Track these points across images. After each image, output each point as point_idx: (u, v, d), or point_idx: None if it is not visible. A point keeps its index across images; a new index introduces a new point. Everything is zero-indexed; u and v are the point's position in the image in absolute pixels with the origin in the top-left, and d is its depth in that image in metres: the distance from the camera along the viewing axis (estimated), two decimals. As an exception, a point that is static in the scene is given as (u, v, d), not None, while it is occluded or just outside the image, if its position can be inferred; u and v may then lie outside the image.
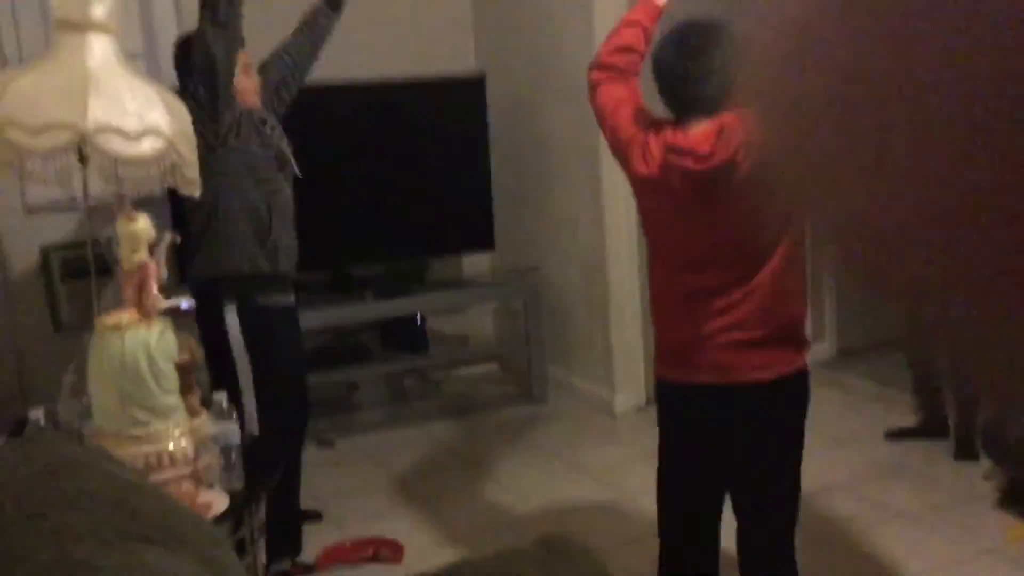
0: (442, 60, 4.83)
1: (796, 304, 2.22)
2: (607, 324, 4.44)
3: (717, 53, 2.07)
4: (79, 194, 4.03)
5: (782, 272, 2.15)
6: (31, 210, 4.09)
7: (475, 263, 5.06)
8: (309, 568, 3.11)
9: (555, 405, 4.63)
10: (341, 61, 4.60)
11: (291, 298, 3.07)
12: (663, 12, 2.32)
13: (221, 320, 2.85)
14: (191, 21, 3.20)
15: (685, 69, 2.09)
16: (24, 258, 4.09)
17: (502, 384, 5.05)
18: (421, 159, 4.58)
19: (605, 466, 3.86)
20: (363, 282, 4.52)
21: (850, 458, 3.75)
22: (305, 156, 4.37)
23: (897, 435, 3.85)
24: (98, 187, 2.84)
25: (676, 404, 2.31)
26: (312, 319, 4.36)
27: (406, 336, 4.74)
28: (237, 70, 2.80)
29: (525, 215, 4.89)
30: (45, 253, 4.09)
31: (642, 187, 2.21)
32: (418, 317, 4.71)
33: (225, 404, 2.18)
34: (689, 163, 2.05)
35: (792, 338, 2.21)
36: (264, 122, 2.95)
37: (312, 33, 3.20)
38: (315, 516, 3.42)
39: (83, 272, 4.04)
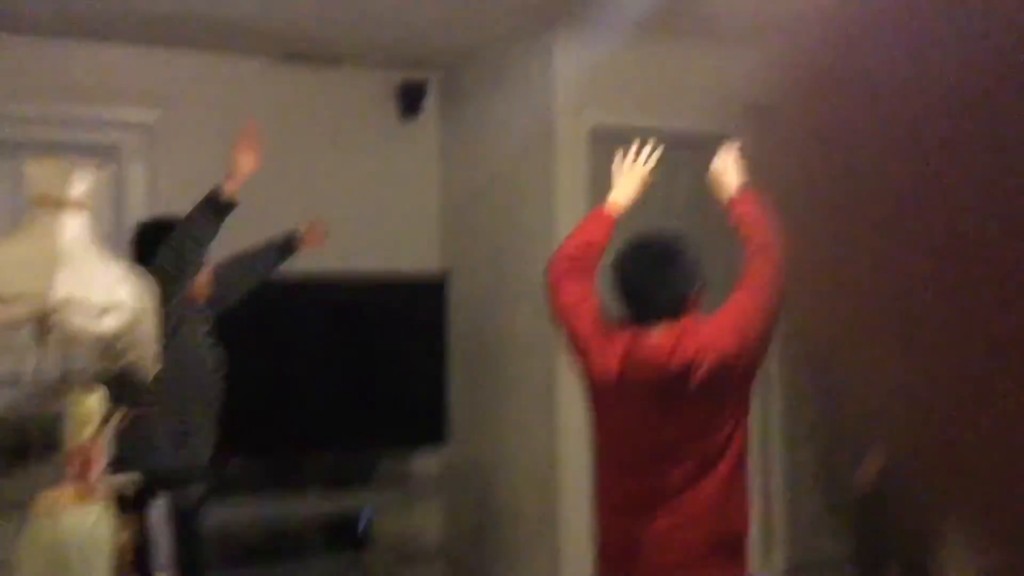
0: (407, 257, 4.95)
1: (742, 515, 2.23)
2: (555, 528, 4.35)
3: (675, 264, 2.19)
4: (26, 369, 4.01)
5: (730, 479, 2.17)
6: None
7: (426, 462, 4.98)
8: None
9: (500, 612, 4.46)
10: (309, 252, 4.71)
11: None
12: (620, 215, 2.44)
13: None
14: (162, 205, 3.29)
15: (645, 279, 2.19)
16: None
17: (448, 586, 4.86)
18: (379, 354, 4.59)
19: None
20: (309, 476, 4.42)
21: None
22: (264, 346, 4.41)
23: None
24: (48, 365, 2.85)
25: None
26: (252, 513, 4.24)
27: (350, 532, 4.59)
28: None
29: (481, 416, 4.87)
30: (-16, 427, 3.97)
31: (598, 388, 2.24)
32: (364, 513, 4.59)
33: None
34: (650, 363, 2.11)
35: (735, 551, 2.21)
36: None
37: (258, 267, 3.49)
38: None
39: (14, 450, 3.95)
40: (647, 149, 2.55)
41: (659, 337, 2.14)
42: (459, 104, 5.07)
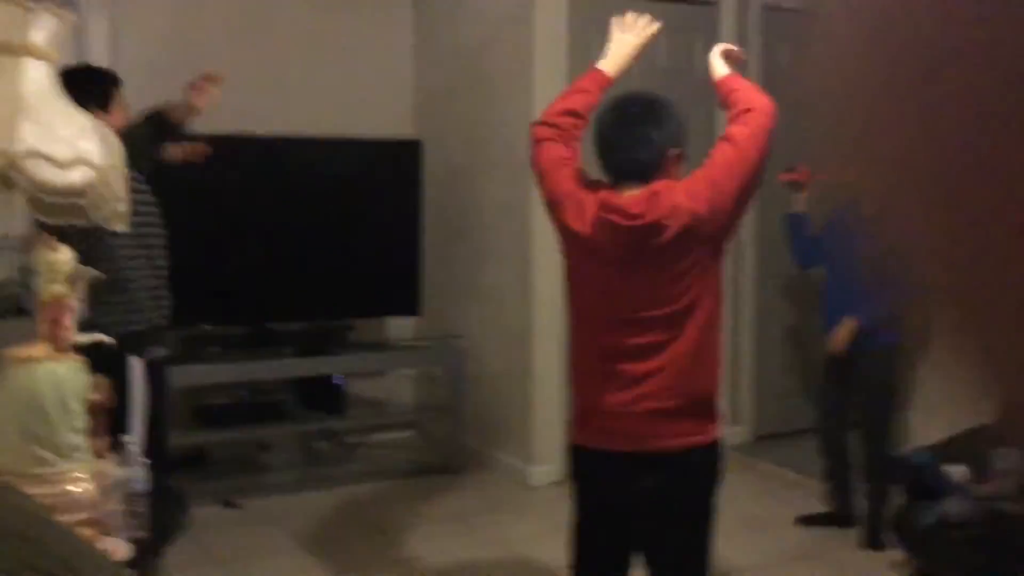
0: (380, 124, 4.85)
1: (711, 376, 2.28)
2: (528, 397, 4.42)
3: (653, 125, 2.18)
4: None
5: (698, 344, 2.21)
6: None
7: (399, 328, 5.01)
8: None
9: (473, 476, 4.56)
10: (279, 114, 4.61)
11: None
12: (611, 84, 2.40)
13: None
14: (124, 59, 3.18)
15: (623, 137, 2.19)
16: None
17: (419, 452, 4.96)
18: (353, 219, 4.56)
19: (520, 539, 3.80)
20: (283, 339, 4.44)
21: (762, 542, 3.75)
22: (235, 207, 4.35)
23: (807, 521, 3.87)
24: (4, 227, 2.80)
25: (589, 470, 2.34)
26: (228, 373, 4.26)
27: (323, 397, 4.65)
28: (112, 106, 2.85)
29: (453, 284, 4.88)
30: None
31: (572, 244, 2.26)
32: (336, 379, 4.63)
33: (134, 448, 2.08)
34: (619, 219, 2.13)
35: (706, 409, 2.26)
36: None
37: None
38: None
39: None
40: (644, 19, 2.47)
41: (632, 196, 2.15)
42: (434, -38, 4.89)
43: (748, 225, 4.90)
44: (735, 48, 2.53)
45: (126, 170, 2.21)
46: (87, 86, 2.86)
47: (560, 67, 4.27)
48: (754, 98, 2.25)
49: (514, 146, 4.38)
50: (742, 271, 4.93)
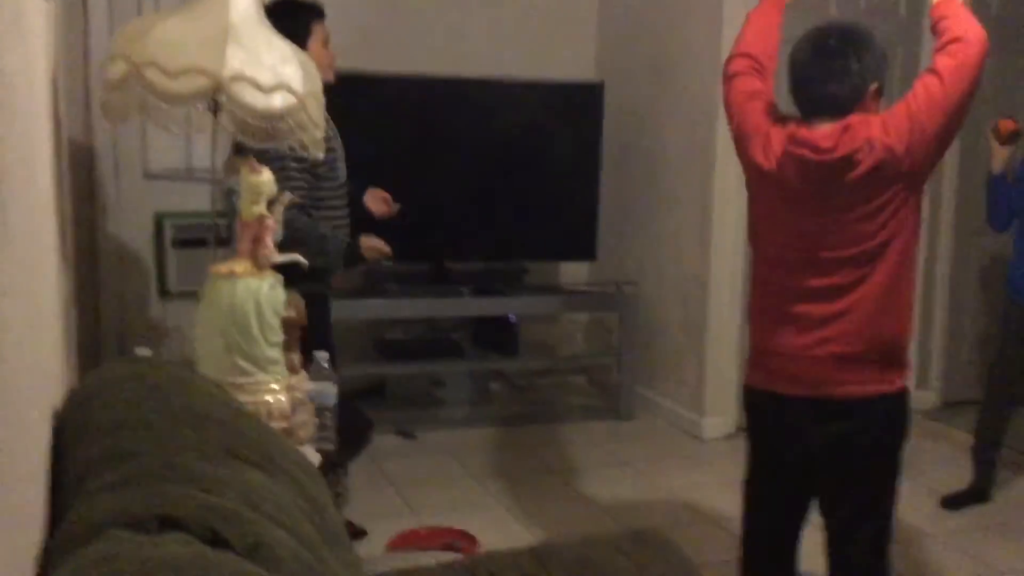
0: (562, 66, 4.83)
1: (900, 323, 2.14)
2: (702, 347, 4.34)
3: (852, 56, 2.07)
4: (197, 163, 4.17)
5: (888, 287, 2.09)
6: (150, 176, 4.20)
7: (573, 272, 5.02)
8: (360, 532, 3.12)
9: (642, 423, 4.55)
10: (459, 56, 4.66)
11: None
12: (782, 16, 2.31)
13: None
14: None
15: (819, 69, 2.08)
16: (139, 224, 4.20)
17: (589, 397, 4.98)
18: (532, 162, 4.57)
19: (689, 489, 3.75)
20: (460, 278, 4.52)
21: (947, 513, 3.58)
22: (417, 146, 4.44)
23: (952, 503, 3.65)
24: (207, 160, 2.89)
25: (767, 415, 2.27)
26: (406, 309, 4.39)
27: (497, 337, 4.72)
28: (312, 41, 2.81)
29: (630, 229, 4.83)
30: (159, 220, 4.19)
31: (758, 180, 2.19)
32: (511, 319, 4.69)
33: (325, 365, 2.17)
34: (808, 153, 2.04)
35: (892, 358, 2.14)
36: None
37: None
38: (360, 533, 3.18)
39: (194, 242, 4.16)
40: None
41: (823, 130, 2.05)
42: (624, -99, 4.78)
43: (949, 178, 4.60)
44: None
45: (323, 98, 2.29)
46: (285, 20, 2.91)
47: (749, 3, 4.10)
48: (966, 28, 2.07)
49: (699, 86, 4.26)
50: (940, 226, 4.64)
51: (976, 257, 4.74)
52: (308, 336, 2.65)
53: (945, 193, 4.61)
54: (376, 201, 3.26)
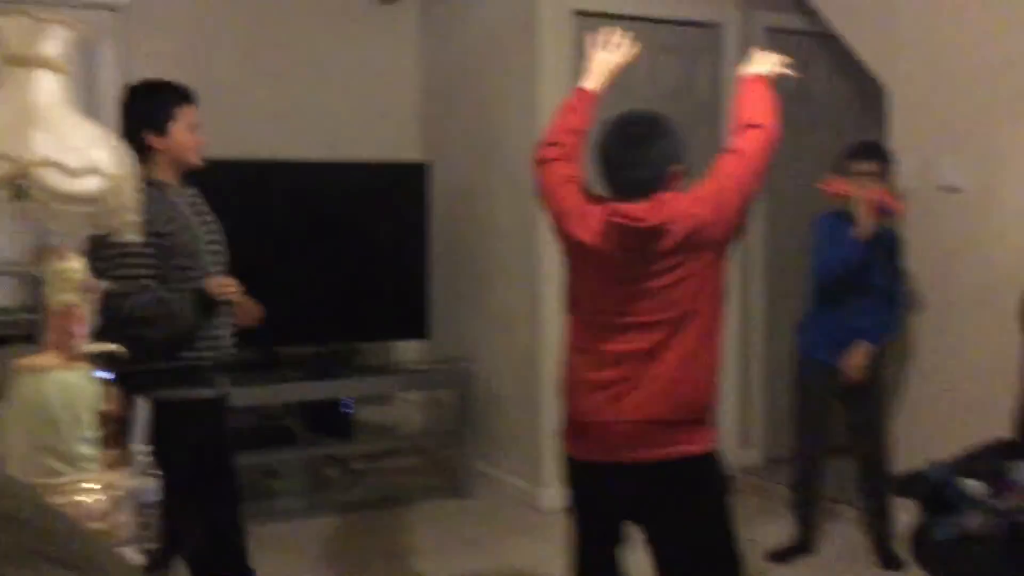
0: (387, 146, 4.88)
1: (706, 387, 2.27)
2: (537, 419, 4.39)
3: (654, 142, 2.26)
4: None
5: (694, 352, 2.23)
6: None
7: (407, 351, 4.99)
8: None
9: (483, 499, 4.52)
10: (286, 139, 4.63)
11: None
12: (597, 101, 2.49)
13: None
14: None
15: (624, 156, 2.26)
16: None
17: (429, 476, 4.92)
18: (360, 243, 4.56)
19: (531, 562, 3.75)
20: (291, 363, 4.42)
21: (778, 567, 3.72)
22: (242, 231, 4.34)
23: (778, 558, 3.81)
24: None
25: (582, 481, 2.35)
26: (235, 398, 4.22)
27: (331, 422, 4.62)
28: (176, 125, 2.75)
29: (461, 306, 4.87)
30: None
31: (576, 254, 2.32)
32: (345, 403, 4.60)
33: (146, 460, 2.06)
34: (627, 222, 2.19)
35: (700, 419, 2.25)
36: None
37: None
38: None
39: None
40: (618, 35, 2.56)
41: (636, 205, 2.21)
42: (440, -13, 4.93)
43: (758, 246, 4.89)
44: (788, 70, 2.59)
45: (138, 181, 2.21)
46: (146, 102, 2.78)
47: (565, 87, 4.28)
48: (766, 116, 2.32)
49: (520, 167, 4.38)
50: (752, 292, 4.91)
51: (787, 318, 5.02)
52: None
53: (755, 258, 4.89)
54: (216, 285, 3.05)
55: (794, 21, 4.78)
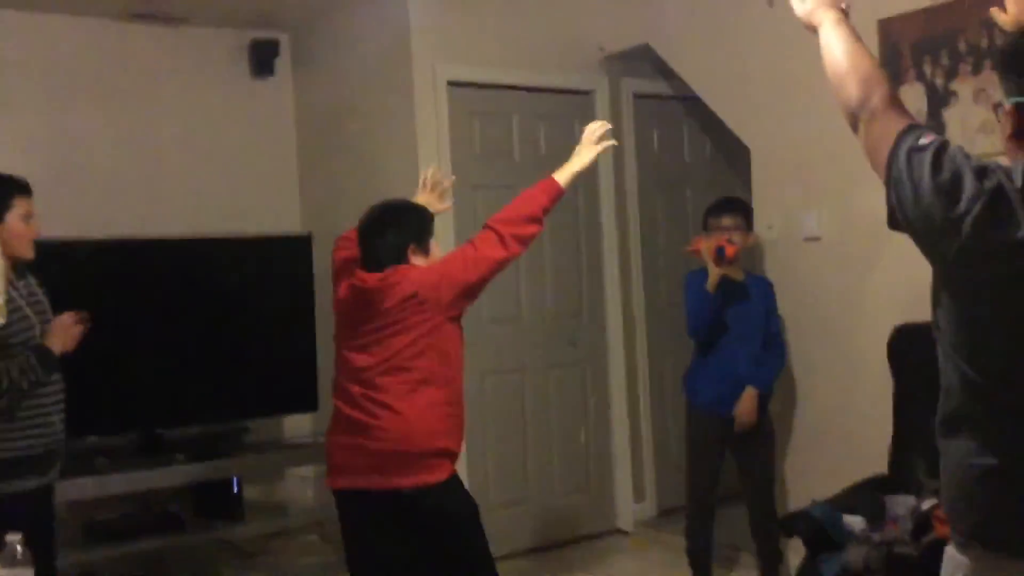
0: (269, 219, 4.86)
1: (434, 426, 2.68)
2: (433, 486, 4.36)
3: (391, 229, 2.75)
4: None
5: (427, 407, 2.66)
6: None
7: (297, 426, 4.91)
8: None
9: (379, 573, 4.44)
10: (166, 217, 4.57)
11: None
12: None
13: None
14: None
15: (369, 239, 2.77)
16: None
17: (323, 554, 4.81)
18: (245, 318, 4.50)
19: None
20: (175, 445, 4.30)
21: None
22: (122, 312, 4.24)
23: None
24: None
25: (341, 510, 2.82)
26: (118, 484, 4.09)
27: (220, 504, 4.48)
28: (11, 216, 2.79)
29: (349, 377, 4.82)
30: None
31: (337, 309, 2.86)
32: (234, 482, 4.48)
33: (19, 549, 1.98)
34: (358, 283, 2.72)
35: (429, 457, 2.66)
36: None
37: None
38: None
39: None
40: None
41: (371, 274, 2.70)
42: (313, 61, 4.98)
43: (638, 303, 5.02)
44: (607, 135, 3.01)
45: (4, 264, 2.16)
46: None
47: (443, 155, 4.37)
48: (517, 229, 2.73)
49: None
50: (637, 352, 5.02)
51: (671, 373, 5.15)
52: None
53: (637, 314, 5.01)
54: (57, 335, 2.87)
55: (661, 86, 5.00)
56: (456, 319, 2.73)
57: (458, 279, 2.68)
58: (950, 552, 1.62)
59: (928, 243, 1.52)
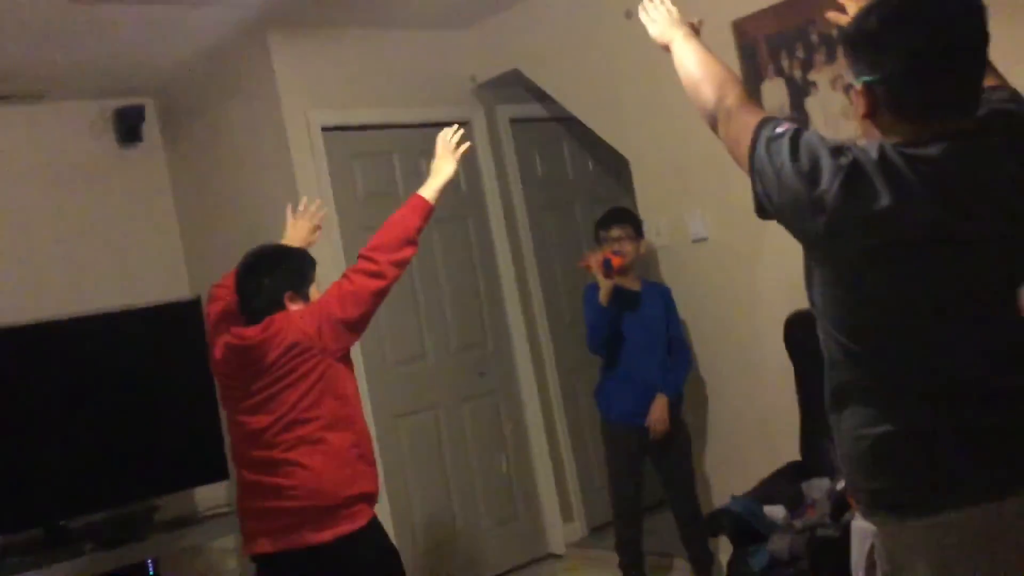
0: (155, 288, 4.72)
1: (339, 487, 2.56)
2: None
3: (265, 274, 2.64)
4: None
5: (329, 448, 2.56)
6: None
7: (211, 496, 4.75)
8: None
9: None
10: (45, 298, 4.39)
11: None
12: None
13: None
14: None
15: (244, 287, 2.66)
16: None
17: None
18: (141, 392, 4.33)
19: None
20: (82, 535, 4.10)
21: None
22: (9, 401, 4.05)
23: None
24: None
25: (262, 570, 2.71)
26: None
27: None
28: None
29: (259, 438, 4.69)
30: None
31: (217, 378, 2.75)
32: (150, 566, 4.30)
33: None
34: (235, 340, 2.60)
35: (333, 517, 2.55)
36: None
37: None
38: None
39: None
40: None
41: (248, 329, 2.59)
42: (182, 123, 4.88)
43: (541, 322, 5.03)
44: (461, 140, 2.96)
45: None
46: None
47: (326, 201, 4.31)
48: (389, 254, 2.65)
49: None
50: (547, 373, 5.01)
51: (584, 389, 5.16)
52: None
53: (540, 333, 5.01)
54: None
55: (537, 110, 5.05)
56: (345, 357, 2.64)
57: (338, 318, 2.57)
58: (857, 523, 1.64)
59: (797, 225, 1.56)
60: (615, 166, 4.90)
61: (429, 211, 2.77)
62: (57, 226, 4.62)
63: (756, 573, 3.19)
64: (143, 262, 4.81)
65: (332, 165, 4.40)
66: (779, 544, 3.14)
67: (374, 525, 2.66)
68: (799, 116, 3.55)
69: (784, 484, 3.50)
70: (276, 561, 2.63)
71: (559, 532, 4.90)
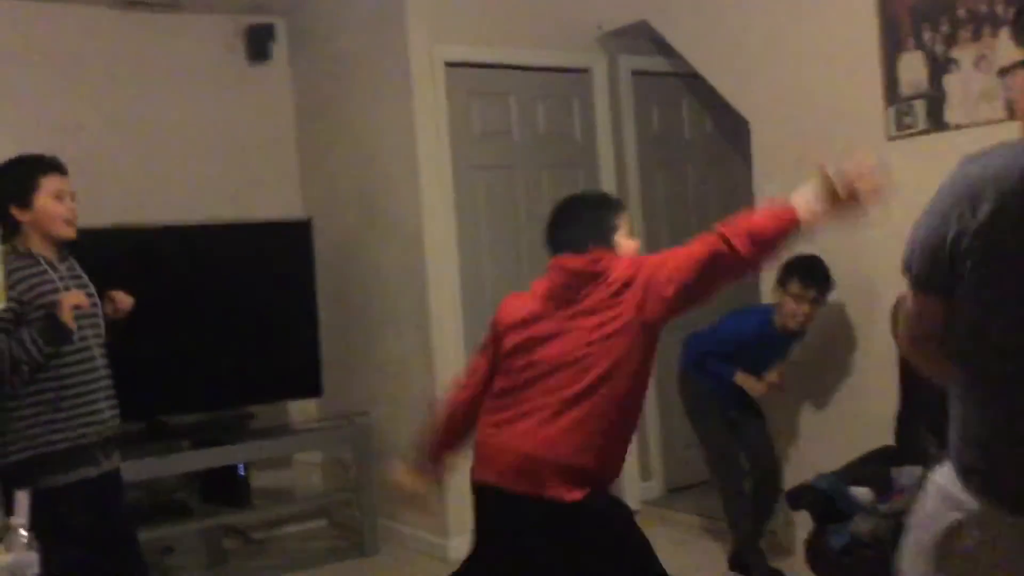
0: (268, 204, 4.84)
1: (586, 456, 2.33)
2: (439, 469, 4.35)
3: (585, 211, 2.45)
4: None
5: (582, 419, 2.30)
6: None
7: (302, 411, 4.91)
8: None
9: (387, 556, 4.45)
10: (164, 204, 4.55)
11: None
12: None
13: None
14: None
15: (558, 217, 2.47)
16: None
17: (331, 538, 4.82)
18: (246, 303, 4.48)
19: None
20: (179, 432, 4.29)
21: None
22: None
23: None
24: None
25: (483, 508, 2.45)
26: (124, 472, 4.08)
27: (227, 490, 4.49)
28: (40, 196, 2.70)
29: (354, 360, 4.82)
30: None
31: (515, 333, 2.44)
32: (240, 469, 4.48)
33: (24, 534, 1.97)
34: (566, 262, 2.37)
35: (574, 479, 2.32)
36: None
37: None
38: None
39: None
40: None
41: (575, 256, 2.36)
42: (309, 45, 4.96)
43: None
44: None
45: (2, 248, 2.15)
46: (7, 176, 2.76)
47: (442, 136, 4.35)
48: (745, 243, 2.14)
49: (403, 216, 4.42)
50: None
51: (673, 355, 5.13)
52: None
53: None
54: (64, 307, 2.75)
55: (659, 63, 4.97)
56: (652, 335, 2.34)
57: (672, 277, 2.20)
58: (947, 486, 1.61)
59: None
60: (734, 129, 4.80)
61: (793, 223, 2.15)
62: (182, 134, 4.76)
63: (835, 551, 3.16)
64: (260, 178, 4.94)
65: (451, 101, 4.43)
66: (863, 526, 3.10)
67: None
68: (936, 93, 3.42)
69: (874, 468, 3.44)
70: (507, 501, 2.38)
71: (636, 487, 4.91)
